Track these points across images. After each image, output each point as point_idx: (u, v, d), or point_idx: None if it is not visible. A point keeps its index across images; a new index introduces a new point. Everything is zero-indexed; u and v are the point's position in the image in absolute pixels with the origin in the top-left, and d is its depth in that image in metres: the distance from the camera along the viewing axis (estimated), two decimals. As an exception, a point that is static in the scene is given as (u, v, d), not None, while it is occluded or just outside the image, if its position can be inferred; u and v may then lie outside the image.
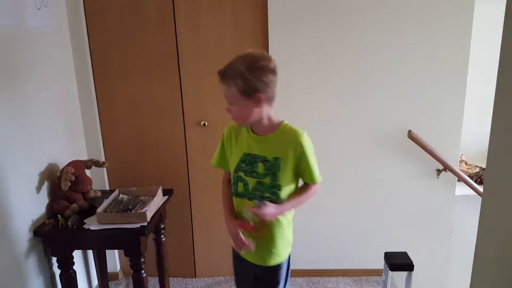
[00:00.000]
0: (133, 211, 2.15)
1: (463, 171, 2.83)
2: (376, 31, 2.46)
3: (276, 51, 2.45)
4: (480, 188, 2.65)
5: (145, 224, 2.03)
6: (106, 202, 2.20)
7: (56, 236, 2.07)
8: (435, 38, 2.45)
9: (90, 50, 2.56)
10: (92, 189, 2.29)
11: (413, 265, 1.66)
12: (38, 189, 2.13)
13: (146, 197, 2.31)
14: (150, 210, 2.10)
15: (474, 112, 2.66)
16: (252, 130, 1.61)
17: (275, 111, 1.58)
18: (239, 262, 1.76)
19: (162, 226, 2.45)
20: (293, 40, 2.48)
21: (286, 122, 1.60)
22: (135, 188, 2.36)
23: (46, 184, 2.20)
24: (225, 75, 1.48)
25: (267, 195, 1.57)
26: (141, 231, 2.01)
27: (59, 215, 2.09)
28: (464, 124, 2.57)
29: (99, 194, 2.33)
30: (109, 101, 2.64)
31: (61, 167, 2.24)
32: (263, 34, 2.48)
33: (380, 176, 2.68)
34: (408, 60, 2.49)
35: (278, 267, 1.68)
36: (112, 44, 2.55)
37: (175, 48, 2.53)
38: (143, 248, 2.09)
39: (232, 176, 1.66)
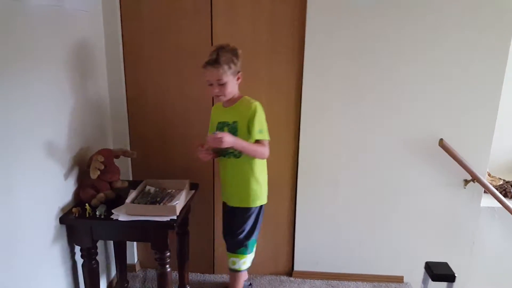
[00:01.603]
0: (161, 204, 2.12)
1: (487, 183, 2.79)
2: (412, 39, 2.41)
3: (311, 52, 2.44)
4: (507, 201, 2.63)
5: (175, 217, 2.00)
6: (133, 193, 2.16)
7: (82, 225, 2.04)
8: (471, 47, 2.41)
9: (122, 41, 2.52)
10: (120, 179, 2.25)
11: (454, 276, 1.63)
12: (67, 175, 2.10)
13: (174, 190, 2.28)
14: (180, 203, 2.07)
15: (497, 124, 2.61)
16: (223, 105, 2.17)
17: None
18: (223, 207, 2.39)
19: (187, 219, 2.42)
20: (328, 42, 2.44)
21: (246, 96, 2.15)
22: (162, 180, 2.33)
23: (75, 171, 2.16)
24: (219, 62, 1.96)
25: (231, 150, 2.13)
26: (171, 224, 1.97)
27: (86, 204, 2.05)
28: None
29: (126, 184, 2.29)
30: (139, 91, 2.60)
31: (90, 154, 2.21)
32: (300, 32, 2.45)
33: (405, 183, 2.65)
34: (443, 68, 2.45)
35: (244, 210, 2.23)
36: (145, 34, 2.51)
37: (209, 41, 2.48)
38: (170, 242, 2.06)
39: None
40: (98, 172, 2.07)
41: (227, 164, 2.22)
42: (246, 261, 2.31)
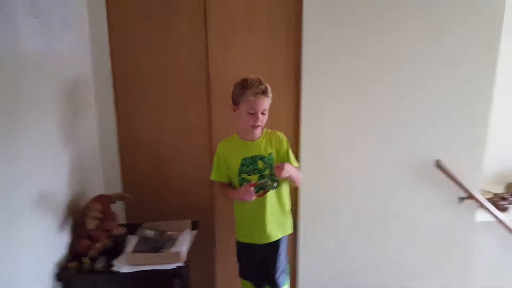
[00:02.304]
0: (164, 250, 2.02)
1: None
2: (405, 60, 2.44)
3: (308, 83, 2.43)
4: (501, 216, 2.67)
5: (181, 264, 1.91)
6: (133, 240, 2.06)
7: (82, 281, 1.92)
8: (460, 71, 2.46)
9: (113, 77, 2.43)
10: (118, 225, 2.14)
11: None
12: (61, 227, 1.96)
13: (174, 232, 2.19)
14: (185, 248, 1.98)
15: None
16: (242, 139, 2.10)
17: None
18: (249, 249, 2.19)
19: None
20: (325, 72, 2.44)
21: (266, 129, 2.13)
22: (161, 222, 2.23)
23: (68, 221, 2.03)
24: (268, 92, 1.97)
25: (268, 183, 2.07)
26: (177, 272, 1.88)
27: (83, 257, 1.92)
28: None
29: (124, 230, 2.17)
30: (131, 128, 2.50)
31: (83, 202, 2.09)
32: (296, 63, 2.44)
33: (401, 204, 2.65)
34: (434, 88, 2.49)
35: (282, 239, 2.18)
36: (137, 69, 2.43)
37: (205, 73, 2.43)
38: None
39: (236, 182, 2.10)
40: (97, 222, 1.96)
41: (264, 199, 2.09)
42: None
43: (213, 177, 2.17)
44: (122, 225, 2.29)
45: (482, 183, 2.72)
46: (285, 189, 2.17)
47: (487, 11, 2.38)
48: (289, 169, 1.99)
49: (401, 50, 2.43)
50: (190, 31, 2.39)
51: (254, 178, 2.06)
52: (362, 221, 2.67)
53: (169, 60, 2.43)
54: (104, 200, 2.06)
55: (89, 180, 2.32)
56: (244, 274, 2.29)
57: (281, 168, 1.96)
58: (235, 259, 2.30)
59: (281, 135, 2.15)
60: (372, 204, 2.64)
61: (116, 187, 2.51)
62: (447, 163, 2.55)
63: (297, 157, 2.52)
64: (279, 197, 2.14)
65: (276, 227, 2.15)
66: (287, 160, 2.10)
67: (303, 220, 2.63)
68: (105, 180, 2.47)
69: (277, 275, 2.18)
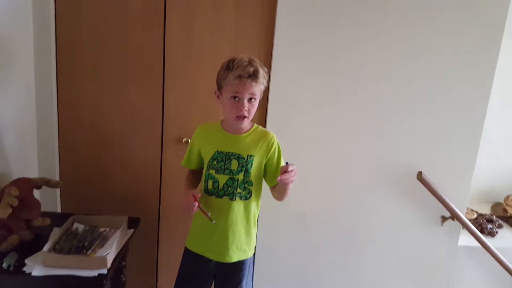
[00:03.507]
0: (89, 250, 1.72)
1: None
2: (389, 62, 2.15)
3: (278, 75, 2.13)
4: (485, 239, 2.40)
5: (105, 272, 1.60)
6: (56, 234, 1.76)
7: (-17, 281, 1.61)
8: (454, 75, 2.17)
9: (56, 43, 2.10)
10: (40, 216, 1.82)
11: None
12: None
13: (107, 230, 1.88)
14: (112, 253, 1.67)
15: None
16: (224, 129, 1.72)
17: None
18: (195, 260, 1.76)
19: (123, 264, 2.01)
20: (298, 59, 2.13)
21: (256, 124, 1.76)
22: (94, 216, 1.92)
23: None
24: (257, 75, 1.57)
25: (239, 191, 1.67)
26: (99, 281, 1.57)
27: (-9, 251, 1.62)
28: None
29: (48, 221, 1.87)
30: (72, 104, 2.18)
31: (2, 183, 1.78)
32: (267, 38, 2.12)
33: (379, 219, 2.36)
34: (424, 96, 2.20)
35: (241, 264, 1.75)
36: (82, 37, 2.11)
37: (162, 46, 2.11)
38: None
39: (203, 174, 1.74)
40: (10, 210, 1.65)
41: (226, 208, 1.68)
42: None
43: (183, 163, 1.82)
44: (53, 214, 1.98)
45: (466, 202, 2.44)
46: (256, 203, 1.75)
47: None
48: (295, 175, 1.55)
49: (387, 44, 2.13)
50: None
51: (222, 179, 1.67)
52: (331, 237, 2.38)
53: (121, 30, 2.10)
54: (24, 185, 1.74)
55: (19, 161, 1.99)
56: None
57: (286, 175, 1.50)
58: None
59: (273, 139, 1.72)
60: (343, 218, 2.36)
61: (52, 171, 2.18)
62: (432, 178, 2.26)
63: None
64: (246, 209, 1.71)
65: (233, 245, 1.71)
66: (278, 171, 1.65)
67: (263, 230, 2.31)
68: (39, 161, 2.14)
69: None
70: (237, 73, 1.55)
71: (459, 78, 2.18)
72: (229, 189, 1.67)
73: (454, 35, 2.13)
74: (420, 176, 2.27)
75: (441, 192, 2.27)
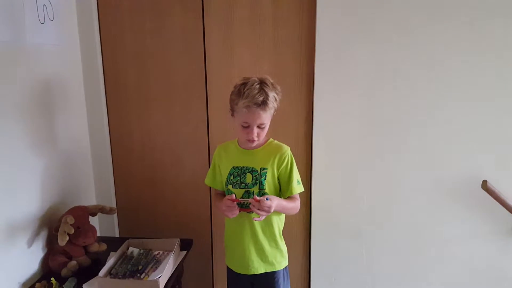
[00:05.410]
0: (143, 274, 1.75)
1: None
2: (445, 61, 2.00)
3: (321, 86, 2.06)
4: None
5: (157, 295, 1.62)
6: (112, 259, 1.80)
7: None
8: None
9: (104, 76, 2.20)
10: (96, 241, 1.89)
11: None
12: (31, 241, 1.75)
13: (161, 252, 1.91)
14: (164, 276, 1.69)
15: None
16: (240, 146, 1.78)
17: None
18: (235, 276, 1.84)
19: (177, 286, 2.04)
20: (342, 73, 2.06)
21: (271, 138, 1.79)
22: (148, 240, 1.97)
23: (42, 234, 1.82)
24: (267, 103, 1.58)
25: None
26: (152, 304, 1.60)
27: (52, 277, 1.69)
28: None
29: (105, 247, 1.94)
30: (123, 131, 2.27)
31: (62, 212, 1.87)
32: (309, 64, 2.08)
33: (442, 232, 2.21)
34: (489, 94, 2.02)
35: (270, 276, 1.79)
36: (130, 67, 2.20)
37: (203, 70, 2.15)
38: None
39: (225, 190, 1.78)
40: (67, 238, 1.72)
41: (246, 221, 1.74)
42: None
43: (206, 181, 1.89)
44: (110, 238, 2.06)
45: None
46: (276, 215, 1.75)
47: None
48: (273, 206, 1.59)
49: (442, 38, 1.97)
50: (186, 24, 2.12)
51: (238, 193, 1.70)
52: (392, 251, 2.25)
53: (164, 57, 2.16)
54: (79, 212, 1.82)
55: (75, 189, 2.10)
56: None
57: (263, 205, 1.56)
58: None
59: (286, 152, 1.74)
60: (402, 231, 2.22)
61: (109, 198, 2.27)
62: (499, 186, 2.08)
63: (308, 171, 2.18)
64: (267, 222, 1.73)
65: (259, 259, 1.77)
66: (289, 184, 1.72)
67: (317, 250, 2.26)
68: (96, 189, 2.24)
69: None
70: (246, 103, 1.57)
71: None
72: (245, 202, 1.68)
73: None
74: (485, 185, 2.09)
75: (509, 201, 2.09)
